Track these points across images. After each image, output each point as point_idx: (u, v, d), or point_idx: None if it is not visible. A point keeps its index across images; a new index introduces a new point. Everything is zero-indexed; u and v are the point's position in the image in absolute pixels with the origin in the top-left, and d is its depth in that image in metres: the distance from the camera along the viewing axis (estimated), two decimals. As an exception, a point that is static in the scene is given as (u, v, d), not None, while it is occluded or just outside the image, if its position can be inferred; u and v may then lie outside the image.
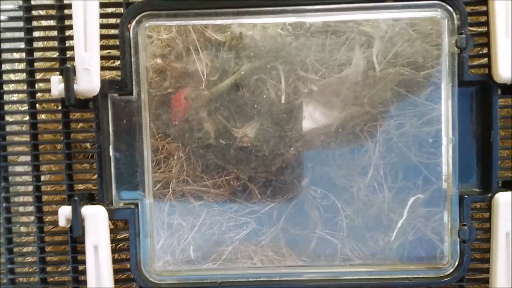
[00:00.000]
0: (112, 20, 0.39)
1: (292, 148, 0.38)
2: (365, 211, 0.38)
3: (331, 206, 0.38)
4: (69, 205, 0.36)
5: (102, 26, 0.39)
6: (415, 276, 0.38)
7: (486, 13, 0.37)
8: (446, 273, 0.38)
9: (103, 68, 0.39)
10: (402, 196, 0.38)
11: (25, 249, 0.41)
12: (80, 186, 0.42)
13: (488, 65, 0.37)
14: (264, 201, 0.38)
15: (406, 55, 0.37)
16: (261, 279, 0.39)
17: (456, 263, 0.38)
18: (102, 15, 0.38)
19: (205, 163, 0.38)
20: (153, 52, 0.37)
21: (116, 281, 0.39)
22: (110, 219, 0.37)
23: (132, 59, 0.37)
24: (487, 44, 0.37)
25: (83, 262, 0.37)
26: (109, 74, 0.41)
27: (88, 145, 0.41)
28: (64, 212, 0.37)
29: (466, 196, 0.37)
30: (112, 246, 0.39)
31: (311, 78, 0.37)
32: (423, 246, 0.38)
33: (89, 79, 0.36)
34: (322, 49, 0.37)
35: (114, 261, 0.39)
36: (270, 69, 0.37)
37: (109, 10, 0.40)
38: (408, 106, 0.37)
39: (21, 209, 0.41)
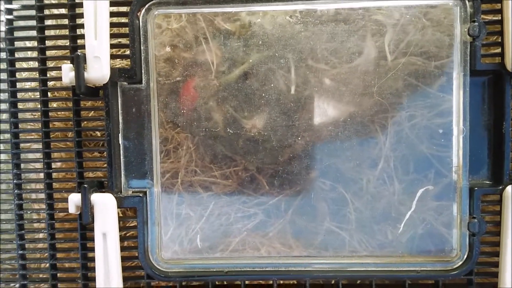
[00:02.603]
0: (123, 9, 0.39)
1: (301, 139, 0.38)
2: (374, 204, 0.38)
3: (340, 198, 0.38)
4: (79, 192, 0.37)
5: (113, 14, 0.39)
6: (423, 268, 0.38)
7: (500, 0, 0.36)
8: (455, 266, 0.38)
9: (114, 57, 0.40)
10: (412, 188, 0.37)
11: (36, 236, 0.42)
12: (91, 174, 0.42)
13: (501, 54, 0.36)
14: (272, 193, 0.38)
15: (418, 44, 0.36)
16: (267, 269, 0.39)
17: (465, 256, 0.37)
18: (113, 3, 0.39)
19: (214, 153, 0.38)
20: (162, 40, 0.37)
21: (125, 269, 0.39)
22: (118, 207, 0.37)
23: (142, 47, 0.37)
24: (501, 33, 0.36)
25: (93, 249, 0.38)
26: (119, 64, 0.41)
27: (98, 133, 0.41)
28: (74, 199, 0.37)
29: (476, 188, 0.37)
30: (121, 234, 0.39)
31: (321, 68, 0.37)
32: (432, 239, 0.38)
33: (99, 67, 0.36)
34: (332, 38, 0.37)
35: (123, 248, 0.40)
36: (279, 59, 0.37)
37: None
38: (420, 97, 0.37)
39: (32, 196, 0.42)
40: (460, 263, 0.38)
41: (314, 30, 0.37)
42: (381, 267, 0.38)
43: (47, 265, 0.40)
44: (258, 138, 0.38)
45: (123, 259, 0.39)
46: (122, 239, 0.40)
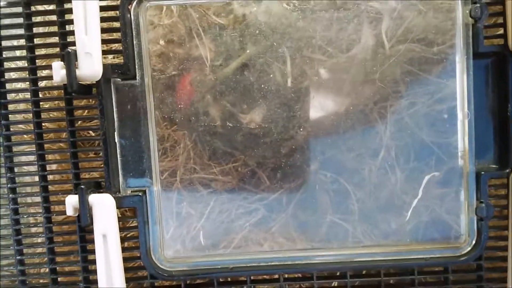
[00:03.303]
0: (115, 2, 0.38)
1: (300, 132, 0.37)
2: (377, 194, 0.37)
3: (342, 189, 0.37)
4: (76, 194, 0.36)
5: (104, 8, 0.37)
6: (431, 256, 0.37)
7: (501, -20, 0.35)
8: (464, 252, 0.37)
9: (108, 52, 0.39)
10: (415, 176, 0.37)
11: (35, 240, 0.40)
12: (88, 175, 0.41)
13: (504, 35, 0.35)
14: (273, 187, 0.37)
15: (417, 30, 0.36)
16: (272, 263, 0.38)
17: (474, 242, 0.37)
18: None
19: (212, 150, 0.37)
20: (155, 35, 0.36)
21: (127, 270, 0.38)
22: (118, 207, 0.36)
23: (134, 42, 0.36)
24: (503, 13, 0.35)
25: (93, 251, 0.37)
26: (115, 60, 0.40)
27: (92, 132, 0.40)
28: (71, 201, 0.36)
29: (483, 173, 0.36)
30: (121, 235, 0.38)
31: (318, 59, 0.36)
32: (440, 225, 0.37)
33: (90, 64, 0.34)
34: (329, 27, 0.36)
35: (124, 249, 0.38)
36: (276, 51, 0.36)
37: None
38: (420, 84, 0.36)
39: (28, 200, 0.41)
40: (469, 248, 0.37)
41: (311, 20, 0.36)
42: (389, 256, 0.38)
43: (47, 269, 0.39)
44: (257, 131, 0.37)
45: (125, 260, 0.38)
46: (122, 240, 0.39)
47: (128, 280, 0.38)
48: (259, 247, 0.38)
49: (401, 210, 0.37)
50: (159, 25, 0.36)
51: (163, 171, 0.37)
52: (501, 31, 0.36)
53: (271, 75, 0.36)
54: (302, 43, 0.36)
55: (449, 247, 0.37)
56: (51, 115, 0.41)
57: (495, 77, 0.37)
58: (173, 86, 0.37)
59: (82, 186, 0.35)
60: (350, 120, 0.36)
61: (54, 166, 0.41)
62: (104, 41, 0.37)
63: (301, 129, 0.37)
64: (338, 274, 0.39)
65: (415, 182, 0.37)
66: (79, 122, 0.39)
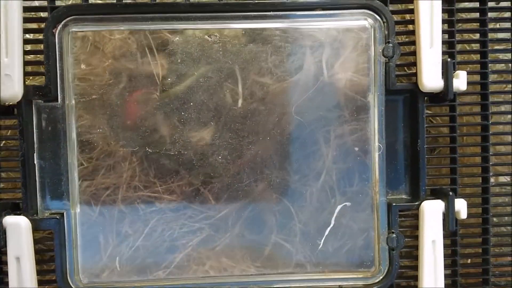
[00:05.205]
0: (43, 25, 0.38)
1: (247, 153, 0.37)
2: (314, 216, 0.38)
3: (286, 211, 0.38)
4: (-9, 215, 0.35)
5: (31, 30, 0.38)
6: (345, 283, 0.38)
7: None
8: (376, 281, 0.38)
9: (32, 74, 0.39)
10: (332, 204, 0.38)
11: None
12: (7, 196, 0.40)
13: (415, 74, 0.37)
14: (218, 207, 0.38)
15: (349, 62, 0.37)
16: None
17: (386, 271, 0.38)
18: (31, 20, 0.38)
19: (158, 168, 0.37)
20: (79, 57, 0.37)
21: (44, 293, 0.38)
22: (34, 229, 0.36)
23: (58, 65, 0.36)
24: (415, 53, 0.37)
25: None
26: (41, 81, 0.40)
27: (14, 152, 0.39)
28: (-15, 222, 0.35)
29: (394, 204, 0.38)
30: (41, 257, 0.38)
31: (266, 83, 0.37)
32: (353, 254, 0.38)
33: (10, 85, 0.35)
34: (277, 54, 0.37)
35: (42, 272, 0.38)
36: (226, 73, 0.37)
37: (42, 14, 0.39)
38: (338, 118, 0.37)
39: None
40: (381, 277, 0.38)
41: (233, 50, 0.37)
42: (305, 283, 0.38)
43: (-40, 292, 0.38)
44: (205, 152, 0.37)
45: (42, 282, 0.38)
46: (42, 262, 0.39)
47: (45, 303, 0.38)
48: (201, 267, 0.38)
49: (318, 237, 0.38)
50: (85, 46, 0.36)
51: (104, 189, 0.37)
52: (413, 70, 0.38)
53: (221, 96, 0.37)
54: (252, 67, 0.37)
55: (362, 276, 0.38)
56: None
57: (407, 113, 0.38)
58: (93, 109, 0.36)
59: (-4, 208, 0.35)
60: (296, 142, 0.37)
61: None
62: (33, 63, 0.38)
63: (248, 150, 0.37)
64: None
65: (332, 210, 0.38)
66: (5, 142, 0.39)
